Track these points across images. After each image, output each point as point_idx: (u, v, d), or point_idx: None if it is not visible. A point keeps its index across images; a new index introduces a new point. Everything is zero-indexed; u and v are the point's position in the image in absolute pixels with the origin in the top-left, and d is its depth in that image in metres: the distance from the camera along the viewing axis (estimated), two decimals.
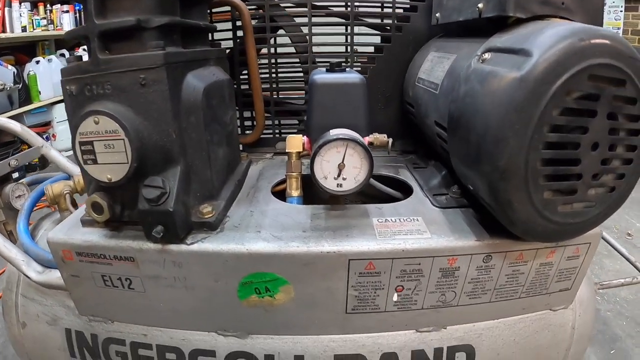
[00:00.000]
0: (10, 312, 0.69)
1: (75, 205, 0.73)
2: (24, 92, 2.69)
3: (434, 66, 0.59)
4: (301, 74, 0.77)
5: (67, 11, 2.95)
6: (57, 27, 2.90)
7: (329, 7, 0.74)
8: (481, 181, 0.44)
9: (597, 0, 0.46)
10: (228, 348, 0.54)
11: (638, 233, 1.96)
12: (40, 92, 2.77)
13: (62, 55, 2.92)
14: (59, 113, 2.90)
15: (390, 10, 0.72)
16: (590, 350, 1.27)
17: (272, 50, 0.77)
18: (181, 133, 0.46)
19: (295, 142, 0.54)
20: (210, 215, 0.48)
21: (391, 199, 0.64)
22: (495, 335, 0.58)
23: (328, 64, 0.54)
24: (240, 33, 0.71)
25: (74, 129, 0.45)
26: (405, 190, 0.64)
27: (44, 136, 2.83)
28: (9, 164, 0.85)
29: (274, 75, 0.75)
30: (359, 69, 0.76)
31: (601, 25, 0.48)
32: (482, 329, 0.57)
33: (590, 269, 1.25)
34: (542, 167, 0.39)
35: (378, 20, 0.78)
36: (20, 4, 2.67)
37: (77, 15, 2.99)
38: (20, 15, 2.67)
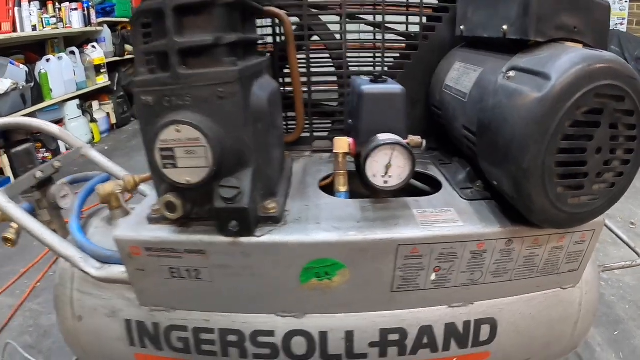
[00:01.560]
0: (65, 306, 0.74)
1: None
2: (36, 91, 2.77)
3: (461, 76, 0.68)
4: (335, 78, 0.86)
5: (76, 9, 3.01)
6: (66, 25, 2.97)
7: (362, 17, 0.83)
8: (507, 178, 0.54)
9: (603, 24, 0.55)
10: (286, 327, 0.63)
11: None
12: (51, 90, 2.84)
13: (72, 53, 3.00)
14: (71, 110, 2.98)
15: (417, 20, 0.81)
16: (596, 331, 1.38)
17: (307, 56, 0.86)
18: (251, 138, 0.55)
19: (342, 144, 0.64)
20: (275, 210, 0.58)
21: (421, 192, 0.73)
22: (514, 310, 0.68)
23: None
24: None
25: (153, 137, 0.51)
26: (434, 185, 0.74)
27: None
28: (53, 165, 0.88)
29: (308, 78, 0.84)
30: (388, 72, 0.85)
31: (606, 43, 0.58)
32: (503, 304, 0.67)
33: (596, 255, 1.39)
34: (555, 167, 0.49)
35: (406, 29, 0.87)
36: (29, 3, 2.72)
37: (86, 12, 3.06)
38: (30, 14, 2.73)
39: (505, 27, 0.58)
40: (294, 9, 0.80)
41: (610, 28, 3.71)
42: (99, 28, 3.30)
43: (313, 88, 0.85)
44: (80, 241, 0.72)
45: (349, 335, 0.63)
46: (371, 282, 0.59)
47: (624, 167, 0.53)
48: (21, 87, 2.65)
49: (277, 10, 0.74)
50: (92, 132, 3.20)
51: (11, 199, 0.73)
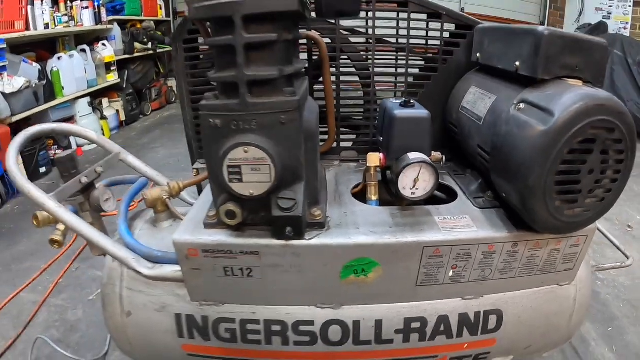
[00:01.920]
0: (114, 304, 0.82)
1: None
2: (48, 88, 2.86)
3: (477, 100, 0.81)
4: (362, 95, 0.98)
5: (87, 7, 3.10)
6: (77, 23, 3.06)
7: (389, 41, 0.95)
8: (514, 193, 0.66)
9: (601, 62, 0.67)
10: (324, 317, 0.76)
11: (638, 225, 2.20)
12: (63, 88, 2.94)
13: (83, 51, 3.09)
14: (82, 107, 3.09)
15: (437, 44, 0.93)
16: (591, 327, 1.52)
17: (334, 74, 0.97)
18: (304, 156, 0.66)
19: (374, 159, 0.76)
20: (320, 216, 0.70)
21: (439, 200, 0.86)
22: (518, 303, 0.81)
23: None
24: None
25: (222, 155, 0.62)
26: (450, 193, 0.86)
27: None
28: (95, 170, 0.93)
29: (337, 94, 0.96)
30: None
31: (603, 77, 0.70)
32: (508, 298, 0.80)
33: (593, 257, 1.55)
34: (555, 186, 0.62)
35: (428, 54, 0.99)
36: (42, 1, 2.81)
37: (97, 10, 3.15)
38: (43, 13, 2.82)
39: (517, 63, 0.70)
40: (327, 32, 0.91)
41: (614, 32, 3.83)
42: (109, 26, 3.39)
43: (341, 103, 0.97)
44: (131, 243, 0.80)
45: (378, 324, 0.76)
46: (400, 277, 0.71)
47: (612, 185, 0.66)
48: (34, 85, 2.74)
49: (314, 34, 0.86)
50: (102, 130, 3.30)
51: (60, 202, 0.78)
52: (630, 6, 3.91)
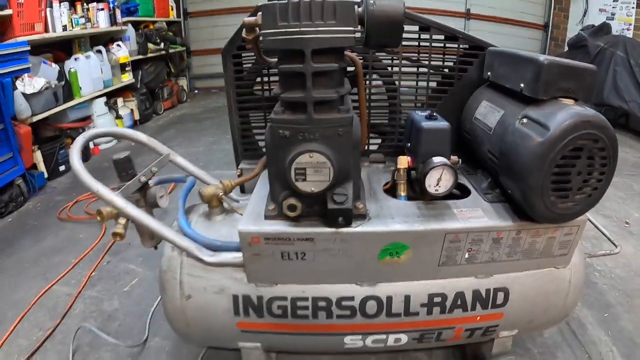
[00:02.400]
0: (173, 288, 0.97)
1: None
2: (67, 89, 3.03)
3: (487, 113, 1.00)
4: (387, 104, 1.17)
5: (103, 9, 3.28)
6: (93, 24, 3.24)
7: (413, 59, 1.14)
8: (518, 190, 0.86)
9: (590, 84, 0.86)
10: (363, 293, 0.95)
11: (635, 222, 2.39)
12: (81, 88, 3.11)
13: (99, 51, 3.27)
14: (99, 107, 3.27)
15: (454, 63, 1.12)
16: (588, 313, 1.71)
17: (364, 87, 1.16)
18: (352, 160, 0.85)
19: (404, 161, 0.96)
20: (362, 209, 0.89)
21: (455, 196, 1.05)
22: (522, 282, 1.00)
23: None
24: None
25: (291, 160, 0.80)
26: (464, 190, 1.06)
27: (86, 129, 3.20)
28: (151, 170, 1.08)
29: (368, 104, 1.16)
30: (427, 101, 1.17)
31: (592, 96, 0.89)
32: (513, 277, 0.99)
33: (592, 249, 1.80)
34: (550, 185, 0.81)
35: (445, 70, 1.18)
36: (60, 3, 2.98)
37: (112, 12, 3.32)
38: (61, 15, 2.99)
39: (522, 85, 0.89)
40: (360, 51, 1.10)
41: (617, 34, 4.02)
42: (123, 27, 3.57)
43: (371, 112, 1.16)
44: (192, 234, 0.97)
45: (407, 299, 0.96)
46: (426, 259, 0.91)
47: (598, 184, 0.85)
48: (53, 86, 2.90)
49: (352, 55, 1.05)
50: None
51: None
52: (634, 7, 4.08)
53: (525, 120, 0.85)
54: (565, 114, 0.79)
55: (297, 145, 0.81)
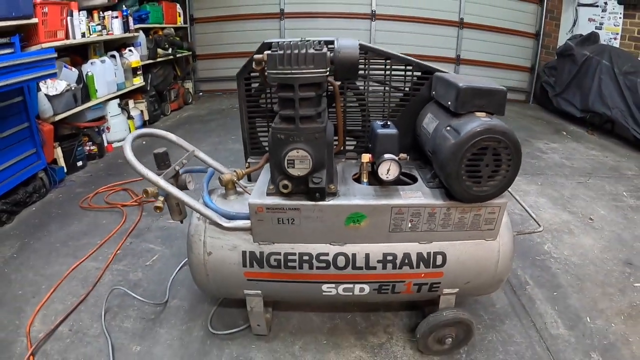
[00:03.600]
0: (199, 247, 1.43)
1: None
2: (84, 91, 3.49)
3: (429, 122, 1.44)
4: (359, 115, 1.61)
5: (117, 17, 3.75)
6: (109, 31, 3.71)
7: (378, 80, 1.59)
8: (443, 177, 1.29)
9: (501, 101, 1.29)
10: (335, 251, 1.39)
11: (600, 218, 2.79)
12: (97, 90, 3.57)
13: (113, 56, 3.73)
14: (113, 108, 3.73)
15: (409, 83, 1.56)
16: (539, 291, 2.09)
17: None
18: (326, 154, 1.29)
19: (366, 157, 1.40)
20: (333, 189, 1.33)
21: (405, 183, 1.49)
22: (457, 248, 1.43)
23: (385, 117, 1.37)
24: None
25: (284, 154, 1.25)
26: (413, 179, 1.49)
27: (101, 128, 3.66)
28: (182, 162, 1.56)
29: (344, 114, 1.60)
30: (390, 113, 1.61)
31: (503, 110, 1.32)
32: (449, 244, 1.42)
33: (551, 241, 2.27)
34: (464, 173, 1.24)
35: (406, 89, 1.62)
36: (79, 12, 3.45)
37: (125, 20, 3.79)
38: (80, 23, 3.45)
39: (449, 102, 1.33)
40: None
41: (604, 43, 4.44)
42: (135, 34, 4.05)
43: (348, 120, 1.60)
44: (213, 207, 1.44)
45: (367, 256, 1.39)
46: (379, 225, 1.35)
47: (504, 174, 1.28)
48: (73, 88, 3.37)
49: (332, 80, 1.49)
50: (129, 128, 3.95)
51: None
52: (620, 18, 4.50)
53: (448, 128, 1.29)
54: (474, 124, 1.23)
55: (289, 144, 1.26)
